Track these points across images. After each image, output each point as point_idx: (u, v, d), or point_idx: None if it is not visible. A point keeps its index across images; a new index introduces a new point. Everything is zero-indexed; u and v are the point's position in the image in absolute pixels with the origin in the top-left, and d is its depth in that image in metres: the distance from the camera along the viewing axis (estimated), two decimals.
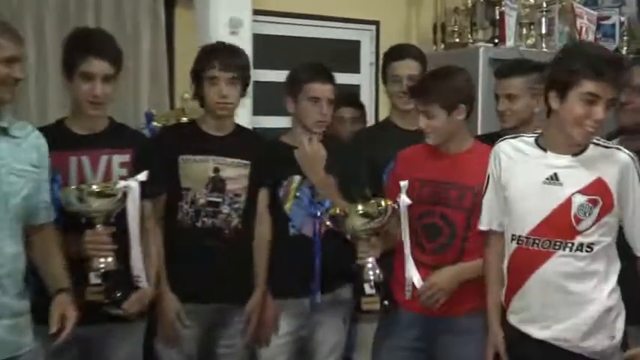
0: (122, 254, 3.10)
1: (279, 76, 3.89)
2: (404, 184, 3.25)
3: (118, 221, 3.11)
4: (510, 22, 4.99)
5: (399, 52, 4.00)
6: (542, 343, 2.87)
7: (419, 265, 3.29)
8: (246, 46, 4.44)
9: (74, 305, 2.86)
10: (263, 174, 3.58)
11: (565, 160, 2.84)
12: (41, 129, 3.09)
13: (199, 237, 3.46)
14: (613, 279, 2.86)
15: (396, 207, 3.25)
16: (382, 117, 5.08)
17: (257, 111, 4.72)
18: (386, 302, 3.25)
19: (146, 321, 3.40)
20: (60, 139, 3.13)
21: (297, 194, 3.62)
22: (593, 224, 2.79)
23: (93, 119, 3.24)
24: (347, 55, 5.48)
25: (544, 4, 5.16)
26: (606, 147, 2.87)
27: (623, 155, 2.84)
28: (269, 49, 4.88)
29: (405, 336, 3.38)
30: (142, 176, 3.12)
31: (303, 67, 3.72)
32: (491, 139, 3.30)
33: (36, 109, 4.31)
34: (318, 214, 3.42)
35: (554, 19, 5.15)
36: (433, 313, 3.28)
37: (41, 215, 2.93)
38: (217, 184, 3.49)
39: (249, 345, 3.67)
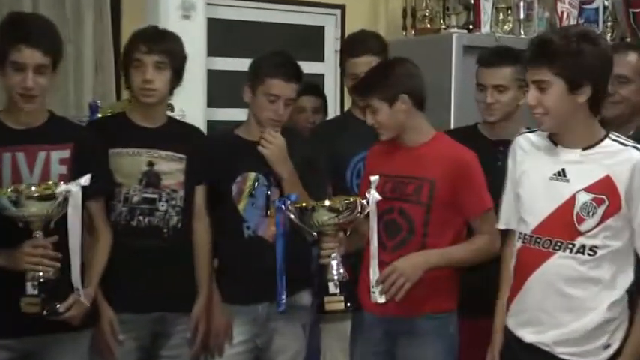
0: (64, 260, 2.98)
1: (236, 64, 3.87)
2: (374, 179, 3.18)
3: (59, 227, 2.97)
4: (486, 7, 4.88)
5: (355, 48, 3.88)
6: (530, 347, 2.85)
7: (382, 264, 3.20)
8: (200, 31, 4.51)
9: None
10: (199, 169, 3.49)
11: (574, 154, 2.79)
12: None
13: (135, 237, 3.34)
14: (619, 289, 2.77)
15: (365, 203, 3.16)
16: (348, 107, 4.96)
17: (211, 102, 4.63)
18: (349, 303, 3.17)
19: (90, 330, 3.25)
20: None
21: (253, 193, 3.55)
22: (597, 226, 2.72)
23: (28, 113, 3.09)
24: (309, 41, 5.37)
25: None
26: (622, 144, 2.78)
27: (637, 154, 2.73)
28: (225, 35, 4.79)
29: (369, 339, 3.37)
30: (85, 180, 2.97)
31: (269, 58, 3.60)
32: (467, 135, 3.47)
33: None
34: (283, 207, 3.26)
35: (533, 3, 5.04)
36: (394, 313, 3.23)
37: None
38: (152, 179, 3.39)
39: (198, 355, 3.57)
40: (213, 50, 4.64)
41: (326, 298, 3.15)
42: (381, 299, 3.16)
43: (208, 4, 4.53)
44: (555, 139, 2.85)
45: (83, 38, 4.32)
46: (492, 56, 3.65)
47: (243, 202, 3.53)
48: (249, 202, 3.53)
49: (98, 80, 4.45)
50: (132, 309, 3.32)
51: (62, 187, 2.93)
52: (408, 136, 3.31)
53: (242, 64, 3.68)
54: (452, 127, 4.33)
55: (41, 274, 2.90)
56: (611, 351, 2.77)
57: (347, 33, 5.09)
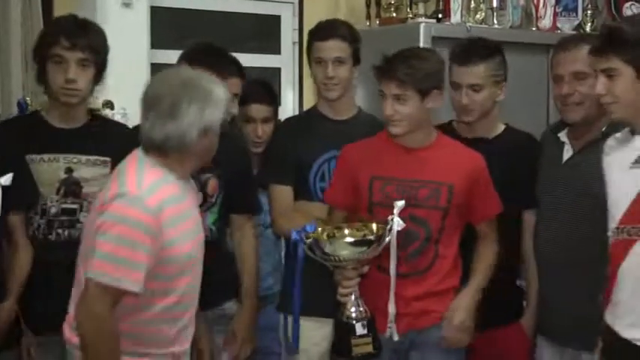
0: None
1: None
2: (400, 204, 3.13)
3: None
4: None
5: (323, 31, 3.80)
6: (628, 343, 2.86)
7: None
8: (142, 21, 4.44)
9: None
10: None
11: None
12: None
13: (54, 252, 3.24)
14: None
15: (389, 232, 3.13)
16: (307, 105, 4.98)
17: None
18: (376, 344, 3.16)
19: (14, 350, 3.23)
20: None
21: None
22: None
23: None
24: (265, 32, 5.35)
25: None
26: None
27: None
28: (170, 25, 4.74)
29: None
30: (6, 180, 2.97)
31: (201, 50, 3.62)
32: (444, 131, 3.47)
33: None
34: (298, 237, 3.20)
35: None
36: (404, 331, 3.27)
37: None
38: (71, 188, 3.31)
39: None
40: (158, 42, 4.59)
41: (353, 341, 3.11)
42: (396, 337, 3.21)
43: None
44: (632, 130, 2.93)
45: (9, 28, 4.19)
46: (466, 52, 3.62)
47: None
48: None
49: (28, 75, 4.25)
50: (50, 329, 3.13)
51: None
52: (416, 135, 3.28)
53: None
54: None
55: None
56: None
57: (305, 23, 5.15)
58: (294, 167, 3.69)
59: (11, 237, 3.14)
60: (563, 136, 3.49)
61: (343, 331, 3.14)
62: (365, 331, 3.11)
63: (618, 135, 3.03)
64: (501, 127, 3.67)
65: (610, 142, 3.06)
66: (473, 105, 3.53)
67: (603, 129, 3.34)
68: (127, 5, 4.32)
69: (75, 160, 3.32)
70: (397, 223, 3.09)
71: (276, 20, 5.31)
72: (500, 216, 3.39)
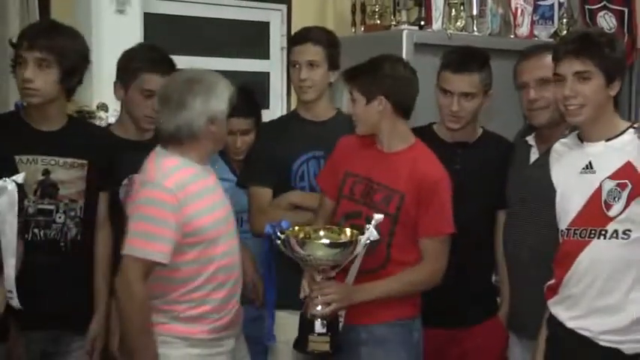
0: None
1: (175, 62, 3.67)
2: (379, 217, 3.11)
3: None
4: (437, 3, 4.82)
5: (298, 36, 3.85)
6: (573, 333, 3.00)
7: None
8: (135, 27, 4.41)
9: None
10: (102, 175, 3.41)
11: (599, 146, 2.98)
12: None
13: (29, 252, 3.12)
14: None
15: (363, 240, 3.11)
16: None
17: None
18: (334, 345, 3.15)
19: (6, 343, 3.12)
20: None
21: None
22: (624, 209, 2.88)
23: None
24: (254, 38, 5.30)
25: None
26: None
27: None
28: (162, 31, 4.71)
29: None
30: (20, 178, 2.90)
31: (142, 51, 3.65)
32: (422, 136, 3.42)
33: None
34: (271, 231, 3.18)
35: None
36: (353, 323, 3.24)
37: None
38: (48, 189, 3.28)
39: None
40: None
41: (310, 337, 3.10)
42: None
43: None
44: (581, 136, 3.05)
45: (7, 34, 4.08)
46: (461, 61, 3.57)
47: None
48: None
49: None
50: (32, 326, 3.19)
51: None
52: (382, 138, 3.29)
53: (182, 63, 3.58)
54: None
55: None
56: None
57: (293, 29, 5.06)
58: (274, 169, 3.68)
59: None
60: (530, 139, 3.51)
61: (303, 327, 3.13)
62: (323, 330, 3.10)
63: (565, 140, 3.13)
64: (480, 131, 3.67)
65: (558, 146, 3.15)
66: (463, 112, 3.50)
67: (566, 132, 3.34)
68: (121, 12, 4.30)
69: (52, 163, 3.28)
70: (372, 234, 3.08)
71: (265, 27, 5.29)
72: (478, 215, 3.41)
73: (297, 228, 3.18)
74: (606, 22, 5.35)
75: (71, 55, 3.30)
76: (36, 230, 3.27)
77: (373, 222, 3.08)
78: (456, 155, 3.54)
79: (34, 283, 3.12)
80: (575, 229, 2.98)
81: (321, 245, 3.09)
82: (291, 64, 3.79)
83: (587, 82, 2.94)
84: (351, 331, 3.22)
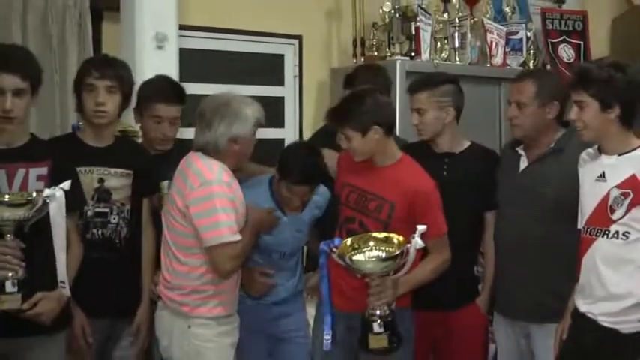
0: (41, 263, 2.84)
1: (206, 89, 3.81)
2: (422, 228, 2.98)
3: (35, 231, 2.85)
4: (425, 37, 4.82)
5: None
6: (583, 316, 3.00)
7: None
8: (172, 60, 4.34)
9: None
10: (144, 183, 3.39)
11: (612, 159, 2.97)
12: None
13: (91, 249, 3.17)
14: None
15: (412, 250, 2.99)
16: (306, 128, 5.09)
17: (183, 123, 4.42)
18: (393, 340, 3.04)
19: (66, 331, 3.09)
20: None
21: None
22: (625, 214, 2.88)
23: (9, 133, 2.93)
24: (271, 68, 5.26)
25: (457, 20, 5.01)
26: None
27: None
28: (195, 63, 4.63)
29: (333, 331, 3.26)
30: (66, 185, 2.85)
31: (152, 83, 3.59)
32: (419, 149, 3.46)
33: None
34: (327, 249, 3.10)
35: (467, 34, 5.00)
36: (356, 310, 3.13)
37: None
38: (103, 195, 3.28)
39: (140, 355, 3.46)
40: (185, 76, 4.44)
41: (371, 336, 3.01)
42: None
43: (180, 35, 4.41)
44: (600, 149, 3.03)
45: (67, 67, 4.18)
46: (413, 84, 3.57)
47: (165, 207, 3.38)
48: None
49: None
50: (90, 315, 3.19)
51: (47, 191, 2.82)
52: (377, 158, 3.22)
53: (211, 89, 3.56)
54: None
55: (19, 272, 2.76)
56: None
57: (304, 60, 5.18)
58: None
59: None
60: (520, 149, 3.45)
61: (364, 327, 3.04)
62: (381, 330, 2.99)
63: (590, 150, 3.09)
64: (467, 144, 3.58)
65: (584, 156, 3.11)
66: (421, 125, 3.46)
67: (552, 145, 3.36)
68: (160, 47, 4.26)
69: (106, 172, 3.28)
70: (417, 243, 2.96)
71: (280, 58, 5.26)
72: (463, 216, 3.33)
73: (348, 242, 3.06)
74: (566, 53, 5.35)
75: (128, 83, 3.34)
76: (94, 230, 3.26)
77: (418, 232, 2.95)
78: (443, 164, 3.49)
79: (94, 276, 3.12)
80: (587, 227, 3.00)
81: (377, 262, 2.99)
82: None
83: (584, 110, 2.94)
84: (352, 317, 3.16)
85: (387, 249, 3.03)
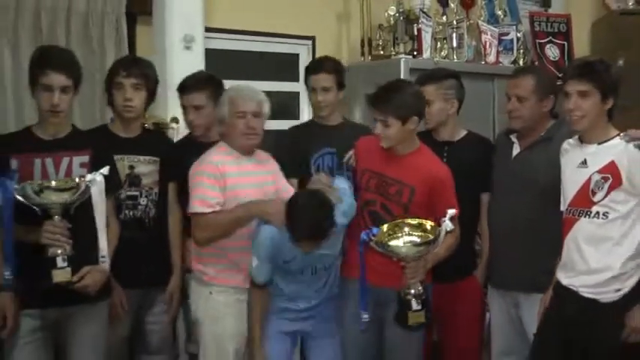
0: (85, 241, 2.91)
1: (229, 85, 3.65)
2: (452, 212, 2.97)
3: (79, 212, 2.92)
4: (426, 37, 4.81)
5: (314, 66, 3.86)
6: (566, 288, 3.04)
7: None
8: (199, 59, 4.36)
9: (13, 302, 2.84)
10: (170, 169, 3.44)
11: (593, 147, 3.00)
12: (11, 135, 3.16)
13: (123, 228, 3.24)
14: (627, 246, 2.93)
15: (442, 232, 2.95)
16: None
17: None
18: (427, 316, 3.05)
19: (107, 300, 3.17)
20: (26, 143, 2.99)
21: None
22: (605, 197, 2.91)
23: (55, 126, 3.03)
24: (287, 66, 5.22)
25: (454, 22, 5.01)
26: (625, 140, 2.95)
27: (629, 146, 2.91)
28: (219, 62, 4.62)
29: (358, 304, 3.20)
30: (105, 170, 2.94)
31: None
32: (422, 137, 3.37)
33: (13, 119, 3.97)
34: (367, 238, 3.01)
35: (463, 34, 4.99)
36: (386, 285, 3.13)
37: None
38: (133, 180, 3.36)
39: (172, 322, 3.58)
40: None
41: (410, 314, 2.99)
42: None
43: (206, 37, 4.42)
44: (581, 139, 3.05)
45: (106, 66, 4.06)
46: (420, 77, 3.59)
47: None
48: None
49: None
50: (125, 286, 3.27)
51: (88, 176, 2.89)
52: (402, 146, 3.18)
53: (234, 85, 3.53)
54: None
55: (67, 249, 2.81)
56: (621, 293, 2.93)
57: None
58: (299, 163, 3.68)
59: None
60: (513, 137, 3.48)
61: (402, 305, 3.00)
62: (419, 307, 2.98)
63: (571, 140, 3.11)
64: (464, 133, 3.63)
65: (565, 145, 3.13)
66: (428, 115, 3.44)
67: (542, 134, 3.39)
68: (188, 48, 4.27)
69: (135, 160, 3.35)
70: (447, 226, 2.92)
71: (295, 57, 5.23)
72: (461, 197, 3.26)
73: (384, 229, 3.02)
74: (552, 52, 5.34)
75: (153, 80, 3.41)
76: (126, 211, 3.33)
77: (448, 215, 2.92)
78: (443, 150, 3.52)
79: (127, 252, 3.18)
80: (570, 209, 3.02)
81: (412, 247, 2.97)
82: (309, 90, 3.79)
83: (587, 99, 2.94)
84: (381, 293, 3.15)
85: (420, 234, 3.00)
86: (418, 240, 2.98)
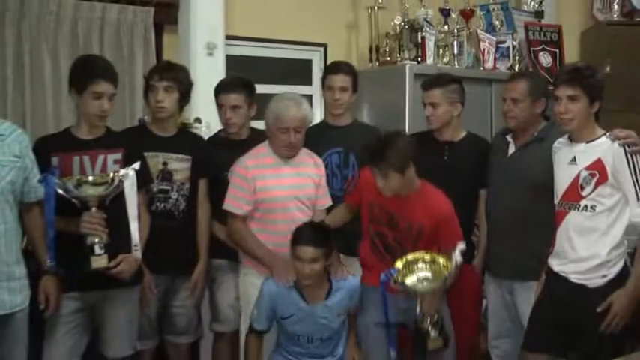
0: (119, 230, 2.95)
1: None
2: (461, 247, 2.97)
3: (114, 204, 2.96)
4: (430, 45, 4.81)
5: (334, 67, 3.84)
6: (557, 275, 3.07)
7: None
8: (220, 65, 4.41)
9: (56, 285, 2.90)
10: (201, 167, 3.46)
11: (581, 146, 3.02)
12: (52, 136, 3.21)
13: (154, 219, 3.28)
14: (613, 236, 2.96)
15: (453, 267, 2.96)
16: None
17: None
18: (446, 340, 3.06)
19: (139, 285, 3.22)
20: (66, 143, 3.05)
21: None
22: (592, 191, 2.95)
23: (94, 127, 3.08)
24: (301, 71, 5.23)
25: (455, 31, 5.01)
26: (610, 139, 2.97)
27: (614, 144, 2.95)
28: (239, 67, 4.63)
29: (379, 313, 3.17)
30: (137, 165, 2.98)
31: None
32: (423, 137, 3.49)
33: (53, 119, 4.07)
34: (386, 278, 3.03)
35: (464, 42, 5.00)
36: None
37: (28, 196, 2.85)
38: (165, 175, 3.39)
39: (197, 306, 3.59)
40: None
41: (429, 341, 3.01)
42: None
43: (227, 44, 4.46)
44: (571, 138, 3.07)
45: (135, 72, 4.26)
46: (427, 82, 3.61)
47: None
48: None
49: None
50: (153, 273, 3.31)
51: (121, 171, 2.94)
52: (403, 190, 3.10)
53: None
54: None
55: (104, 237, 2.87)
56: (606, 279, 2.96)
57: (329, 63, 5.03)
58: None
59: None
60: (509, 137, 3.48)
61: (421, 335, 3.01)
62: (437, 334, 3.00)
63: (562, 140, 3.14)
64: (464, 133, 3.64)
65: (556, 144, 3.16)
66: (433, 117, 3.51)
67: (535, 134, 3.40)
68: (210, 54, 4.32)
69: (168, 157, 3.38)
70: (458, 258, 2.92)
71: (309, 62, 5.25)
72: (461, 193, 3.33)
73: (399, 267, 3.00)
74: (544, 59, 5.31)
75: (185, 83, 3.44)
76: (158, 204, 3.37)
77: (457, 250, 2.92)
78: (444, 150, 3.56)
79: (157, 241, 3.23)
80: (561, 203, 3.05)
81: (428, 285, 2.98)
82: (327, 89, 3.75)
83: (575, 103, 2.97)
84: (400, 299, 3.14)
85: (434, 269, 2.99)
86: (430, 275, 2.99)
